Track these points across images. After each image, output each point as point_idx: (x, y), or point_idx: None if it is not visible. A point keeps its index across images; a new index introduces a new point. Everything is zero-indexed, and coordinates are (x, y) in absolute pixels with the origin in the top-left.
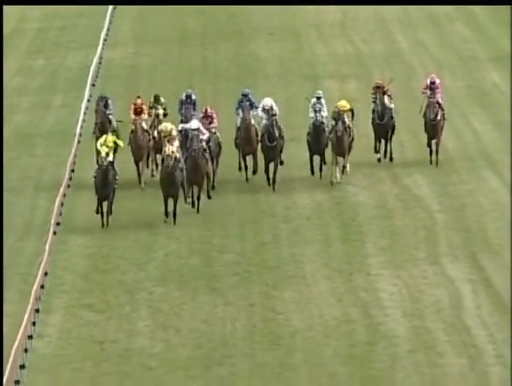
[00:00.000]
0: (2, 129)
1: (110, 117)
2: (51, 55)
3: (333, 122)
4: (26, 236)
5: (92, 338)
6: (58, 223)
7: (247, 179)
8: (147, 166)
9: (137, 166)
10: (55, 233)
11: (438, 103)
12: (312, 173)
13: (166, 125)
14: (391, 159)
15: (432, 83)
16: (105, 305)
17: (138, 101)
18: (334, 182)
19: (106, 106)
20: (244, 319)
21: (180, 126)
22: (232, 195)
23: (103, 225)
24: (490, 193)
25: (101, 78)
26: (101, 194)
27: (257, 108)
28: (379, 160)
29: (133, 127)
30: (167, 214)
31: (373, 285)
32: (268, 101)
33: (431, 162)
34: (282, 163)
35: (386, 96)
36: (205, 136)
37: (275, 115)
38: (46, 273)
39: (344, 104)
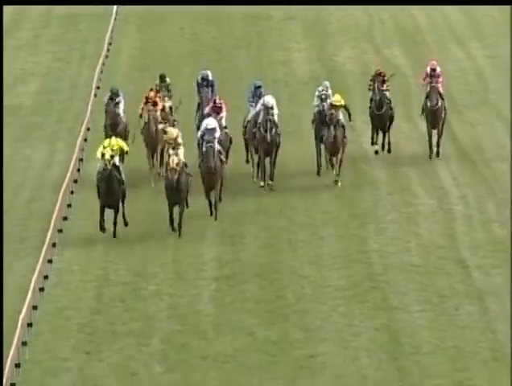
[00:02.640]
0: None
1: (121, 115)
2: None
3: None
4: (73, 97)
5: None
6: (98, 88)
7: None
8: (160, 164)
9: (150, 159)
10: (95, 96)
11: (439, 91)
12: (318, 173)
13: (171, 132)
14: (389, 151)
15: (433, 70)
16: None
17: (151, 94)
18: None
19: (118, 102)
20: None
21: (199, 133)
22: None
23: (101, 228)
24: (455, 61)
25: None
26: (106, 201)
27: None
28: (376, 152)
29: (146, 118)
30: (172, 224)
31: (358, 138)
32: (270, 99)
33: (430, 157)
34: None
35: (384, 86)
36: (219, 133)
37: (274, 115)
38: (88, 129)
39: (338, 99)
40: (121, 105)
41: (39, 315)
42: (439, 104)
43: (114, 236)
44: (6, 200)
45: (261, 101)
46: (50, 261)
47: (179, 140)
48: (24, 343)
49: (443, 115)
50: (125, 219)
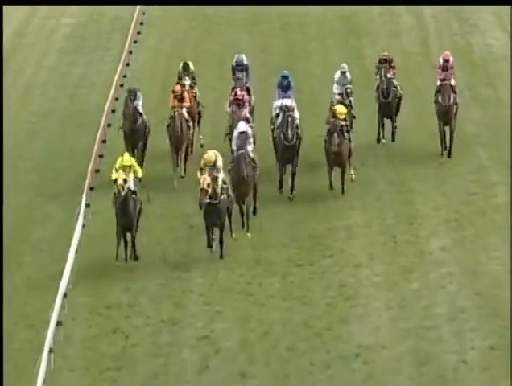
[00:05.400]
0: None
1: (140, 111)
2: None
3: (328, 128)
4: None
5: None
6: (143, 13)
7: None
8: (185, 162)
9: (173, 158)
10: (141, 23)
11: (451, 86)
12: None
13: (210, 155)
14: (393, 139)
15: (446, 60)
16: None
17: (177, 88)
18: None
19: (135, 99)
20: None
21: (233, 148)
22: None
23: (117, 258)
24: None
25: None
26: (121, 223)
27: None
28: (381, 142)
29: (171, 114)
30: (210, 245)
31: None
32: (289, 102)
33: (442, 153)
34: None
35: (392, 71)
36: (251, 139)
37: (294, 115)
38: (135, 41)
39: (341, 111)
40: (140, 103)
41: (105, 164)
42: (452, 100)
43: (136, 259)
44: (78, 45)
45: (278, 103)
46: (113, 111)
47: (219, 163)
48: (97, 171)
49: (455, 111)
50: (135, 251)
